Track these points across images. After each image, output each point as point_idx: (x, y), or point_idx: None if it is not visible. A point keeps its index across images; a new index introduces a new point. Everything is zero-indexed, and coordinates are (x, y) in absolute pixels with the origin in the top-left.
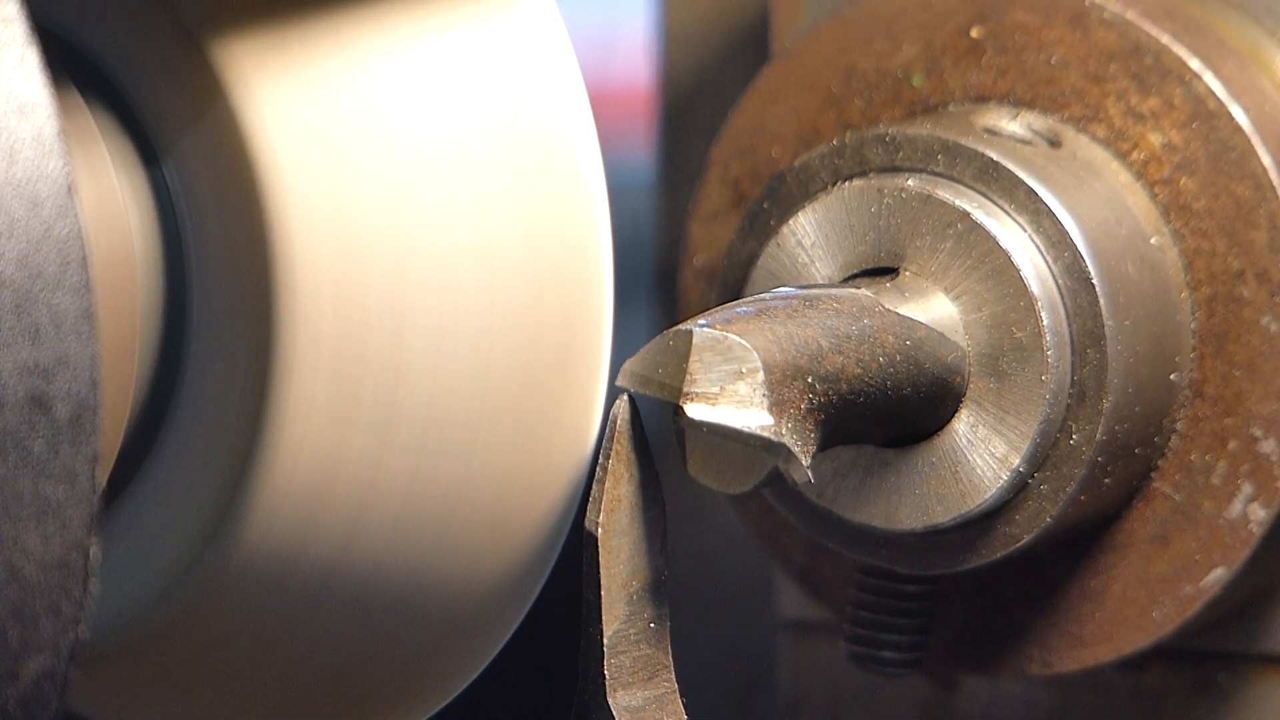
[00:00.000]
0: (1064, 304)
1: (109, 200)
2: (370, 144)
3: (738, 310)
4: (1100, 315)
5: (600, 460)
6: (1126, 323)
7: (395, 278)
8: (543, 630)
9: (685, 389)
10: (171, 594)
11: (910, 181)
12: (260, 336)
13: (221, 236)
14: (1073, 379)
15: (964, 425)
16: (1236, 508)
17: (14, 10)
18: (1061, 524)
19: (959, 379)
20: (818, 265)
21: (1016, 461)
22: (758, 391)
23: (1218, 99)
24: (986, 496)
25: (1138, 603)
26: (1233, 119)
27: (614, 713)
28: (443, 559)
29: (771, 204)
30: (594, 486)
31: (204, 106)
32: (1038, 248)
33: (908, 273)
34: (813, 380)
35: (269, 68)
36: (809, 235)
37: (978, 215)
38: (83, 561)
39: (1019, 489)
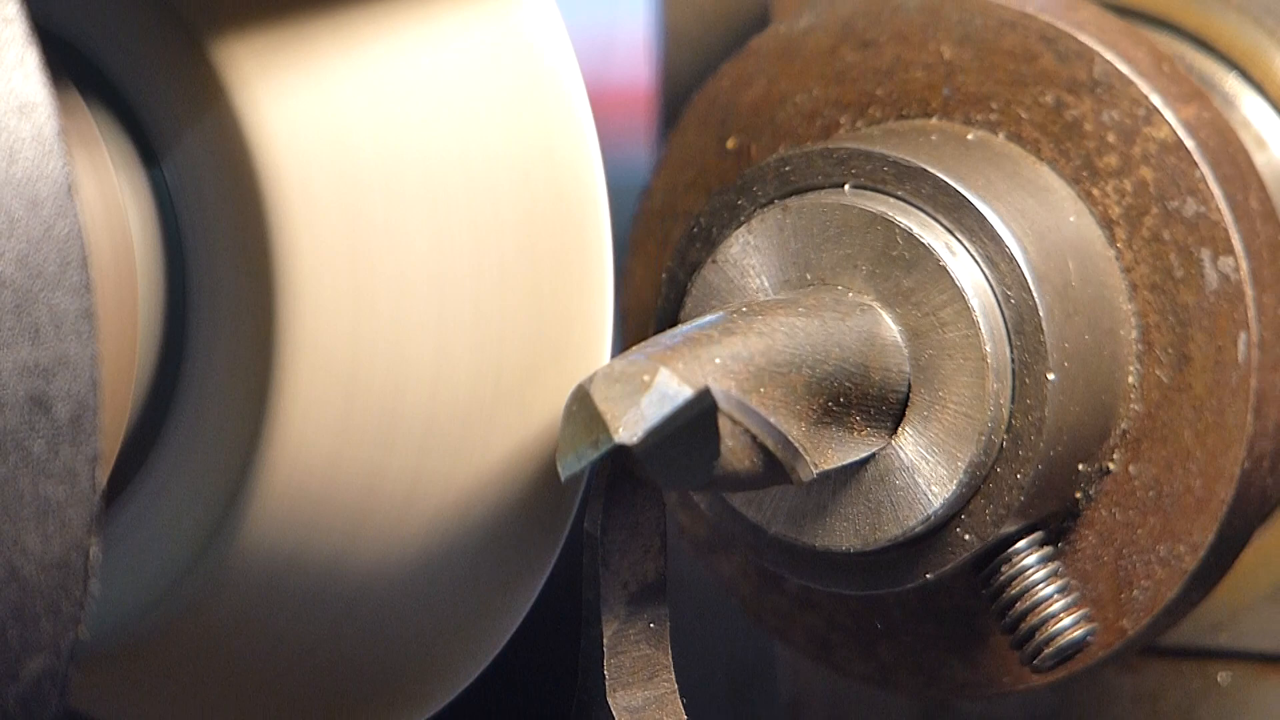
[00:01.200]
0: (993, 291)
1: (109, 200)
2: (370, 144)
3: (657, 340)
4: (1031, 297)
5: (600, 461)
6: (1060, 303)
7: (397, 278)
8: (543, 630)
9: (610, 428)
10: (171, 594)
11: (848, 197)
12: (260, 336)
13: (222, 236)
14: (1012, 364)
15: (905, 441)
16: (1202, 474)
17: (14, 10)
18: (1028, 514)
19: (900, 380)
20: (756, 284)
21: (968, 456)
22: (673, 381)
23: (1154, 109)
24: (929, 513)
25: (1121, 587)
26: (1170, 128)
27: (614, 713)
28: (442, 559)
29: (708, 225)
30: (593, 487)
31: (204, 106)
32: (977, 262)
33: (845, 288)
34: (779, 382)
35: (269, 68)
36: (746, 254)
37: (895, 217)
38: (83, 561)
39: (978, 483)
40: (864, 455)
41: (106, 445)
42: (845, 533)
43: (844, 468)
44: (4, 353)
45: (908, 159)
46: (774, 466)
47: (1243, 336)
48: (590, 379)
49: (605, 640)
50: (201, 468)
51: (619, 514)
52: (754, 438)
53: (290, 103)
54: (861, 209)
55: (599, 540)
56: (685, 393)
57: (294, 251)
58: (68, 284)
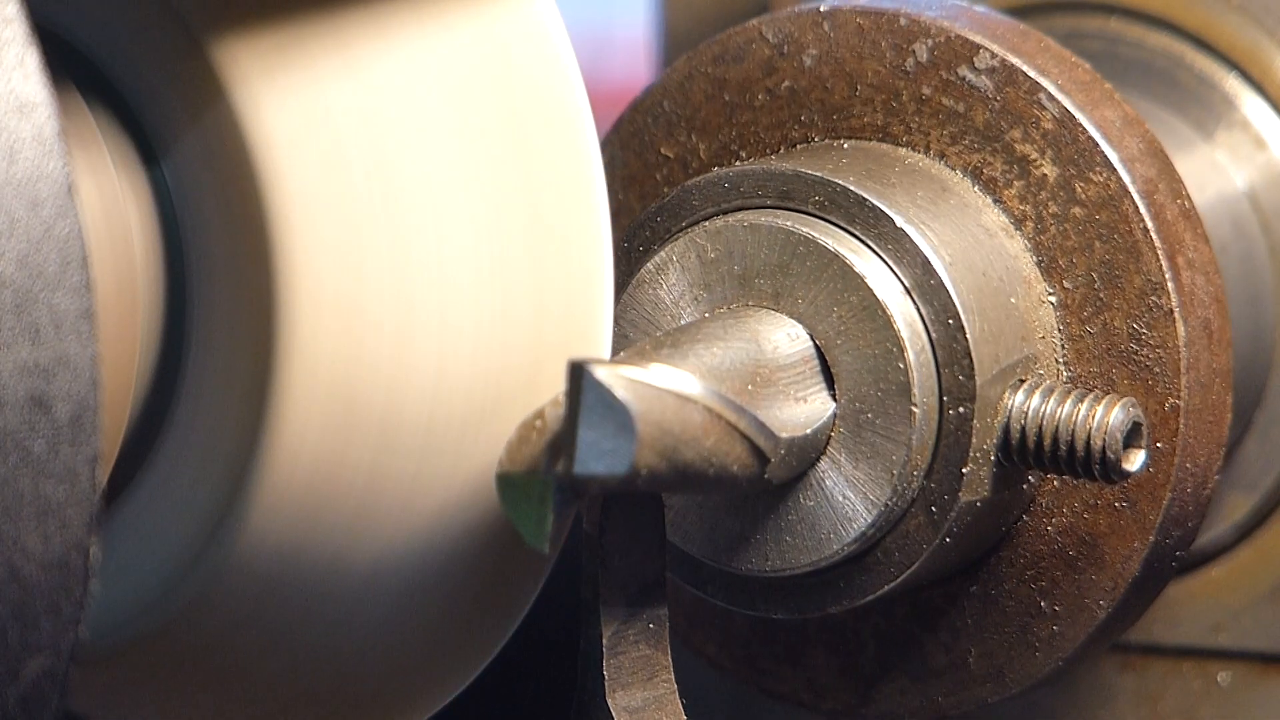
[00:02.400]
0: (928, 337)
1: (109, 200)
2: (370, 144)
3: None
4: (966, 345)
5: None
6: (994, 356)
7: (396, 277)
8: (543, 630)
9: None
10: (171, 594)
11: (769, 218)
12: (260, 336)
13: (221, 236)
14: (939, 415)
15: (831, 465)
16: (1113, 542)
17: (14, 10)
18: (932, 565)
19: (813, 360)
20: (678, 306)
21: (883, 499)
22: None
23: (1080, 125)
24: (854, 536)
25: (1011, 648)
26: (1100, 151)
27: (614, 713)
28: (442, 559)
29: (632, 246)
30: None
31: (204, 106)
32: (899, 280)
33: (768, 309)
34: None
35: (269, 68)
36: (671, 275)
37: (835, 248)
38: (83, 561)
39: (890, 528)
40: (822, 421)
41: (106, 445)
42: (761, 557)
43: (767, 496)
44: (4, 353)
45: (839, 181)
46: (757, 455)
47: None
48: (501, 474)
49: (605, 640)
50: (201, 468)
51: (618, 514)
52: (741, 434)
53: (290, 103)
54: (794, 232)
55: (599, 540)
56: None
57: (293, 251)
58: (68, 284)
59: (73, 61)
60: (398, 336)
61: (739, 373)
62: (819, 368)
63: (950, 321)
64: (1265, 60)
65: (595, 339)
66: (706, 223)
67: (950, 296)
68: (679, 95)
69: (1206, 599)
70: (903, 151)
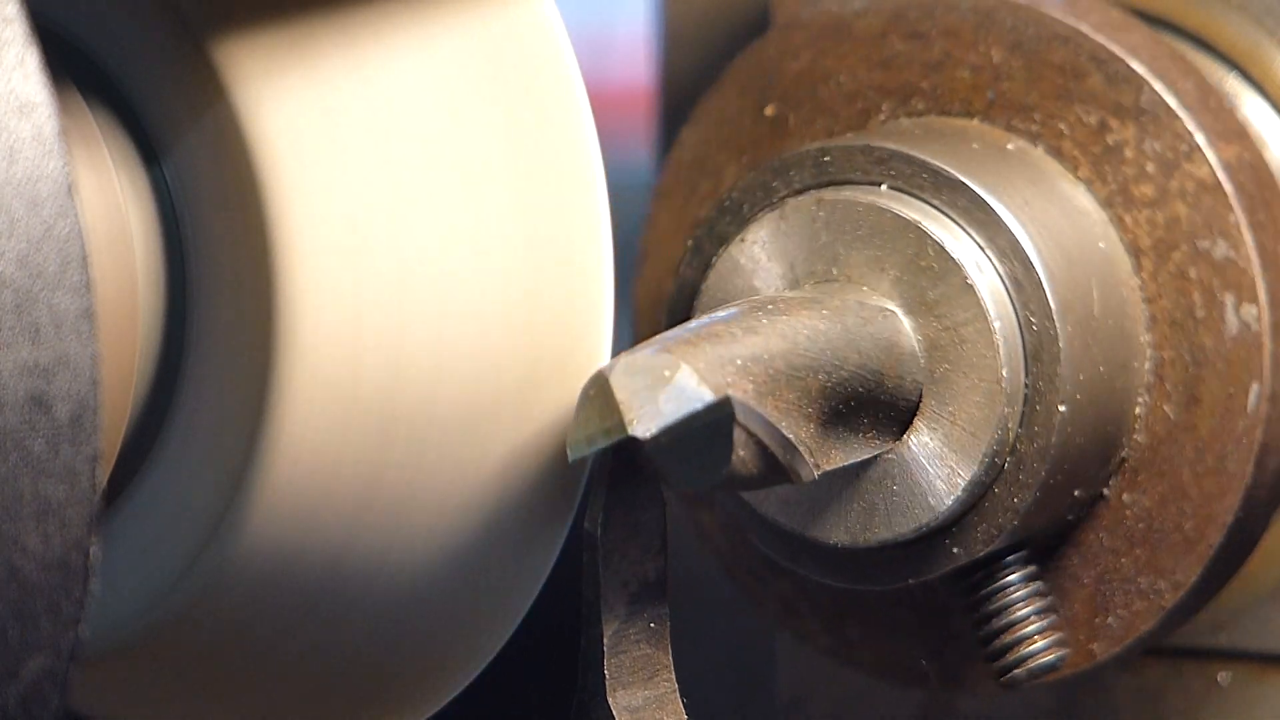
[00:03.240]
0: (1016, 314)
1: (109, 200)
2: (370, 144)
3: (681, 331)
4: (1053, 326)
5: (599, 461)
6: (1080, 332)
7: (396, 277)
8: (543, 630)
9: (625, 418)
10: (171, 594)
11: (884, 199)
12: (260, 336)
13: (222, 236)
14: (1025, 390)
15: (917, 438)
16: (1194, 515)
17: (14, 10)
18: (1018, 534)
19: (913, 389)
20: (766, 282)
21: (969, 474)
22: (693, 381)
23: (1196, 146)
24: (941, 510)
25: (1098, 611)
26: (1183, 125)
27: (614, 713)
28: (442, 559)
29: (739, 202)
30: (594, 487)
31: (205, 106)
32: (1004, 283)
33: (857, 286)
34: (789, 380)
35: (270, 68)
36: (757, 252)
37: (929, 226)
38: (83, 561)
39: (975, 500)
40: (870, 455)
41: (106, 445)
42: (836, 528)
43: (857, 466)
44: (4, 353)
45: (947, 168)
46: (776, 468)
47: (1255, 387)
48: (611, 367)
49: (605, 640)
50: (201, 467)
51: (619, 514)
52: (758, 441)
53: (290, 102)
54: (896, 213)
55: (599, 540)
56: (705, 395)
57: (293, 251)
58: (68, 284)
59: (73, 61)
60: (398, 336)
61: (797, 371)
62: (907, 343)
63: (1040, 305)
64: (1265, 60)
65: (595, 337)
66: (819, 191)
67: (1040, 278)
68: (787, 58)
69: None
70: (1001, 135)
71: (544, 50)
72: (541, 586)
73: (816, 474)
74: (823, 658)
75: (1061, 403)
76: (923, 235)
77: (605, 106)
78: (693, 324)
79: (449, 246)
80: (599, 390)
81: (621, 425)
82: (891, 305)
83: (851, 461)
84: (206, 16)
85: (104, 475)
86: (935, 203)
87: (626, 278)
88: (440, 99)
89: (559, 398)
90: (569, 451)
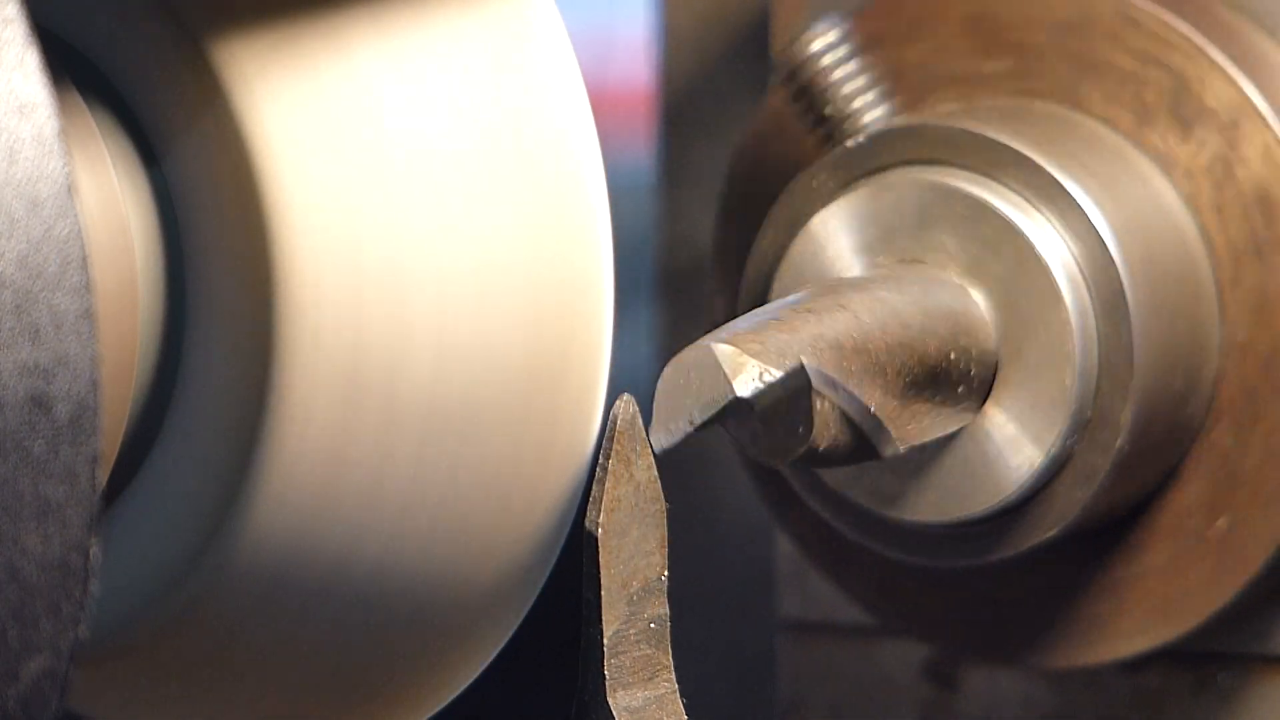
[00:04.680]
0: (1090, 294)
1: (109, 200)
2: (371, 144)
3: (747, 320)
4: (1126, 307)
5: (600, 460)
6: (1153, 313)
7: (396, 277)
8: (543, 630)
9: (729, 382)
10: (171, 594)
11: (934, 174)
12: (260, 336)
13: (221, 236)
14: (1099, 350)
15: (993, 416)
16: (1270, 497)
17: (14, 10)
18: (1092, 513)
19: (989, 366)
20: (842, 261)
21: (1045, 452)
22: (761, 364)
23: (1253, 106)
24: (1016, 487)
25: (1168, 595)
26: (1261, 117)
27: (614, 713)
28: (443, 559)
29: (778, 227)
30: (594, 486)
31: (204, 107)
32: (1063, 239)
33: (932, 265)
34: (865, 359)
35: (269, 68)
36: (833, 231)
37: (1002, 207)
38: (83, 561)
39: (1049, 479)
40: (949, 431)
41: (106, 445)
42: (914, 505)
43: (928, 443)
44: (4, 353)
45: (1022, 149)
46: (862, 442)
47: None
48: (691, 352)
49: (605, 640)
50: (201, 467)
51: (620, 513)
52: (843, 414)
53: (291, 104)
54: (970, 194)
55: (599, 540)
56: (777, 374)
57: (293, 251)
58: (68, 284)
59: (73, 61)
60: (398, 336)
61: (880, 350)
62: (982, 320)
63: (1113, 284)
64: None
65: (595, 337)
66: (867, 178)
67: (1113, 257)
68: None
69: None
70: (1045, 105)
71: (544, 51)
72: (543, 585)
73: (901, 448)
74: (930, 644)
75: (1137, 353)
76: (997, 215)
77: (605, 107)
78: (760, 310)
79: (449, 247)
80: (695, 363)
81: (729, 390)
82: (956, 277)
83: (931, 438)
84: (205, 17)
85: (104, 475)
86: (1010, 183)
87: (627, 278)
88: (440, 98)
89: (559, 397)
90: (658, 440)
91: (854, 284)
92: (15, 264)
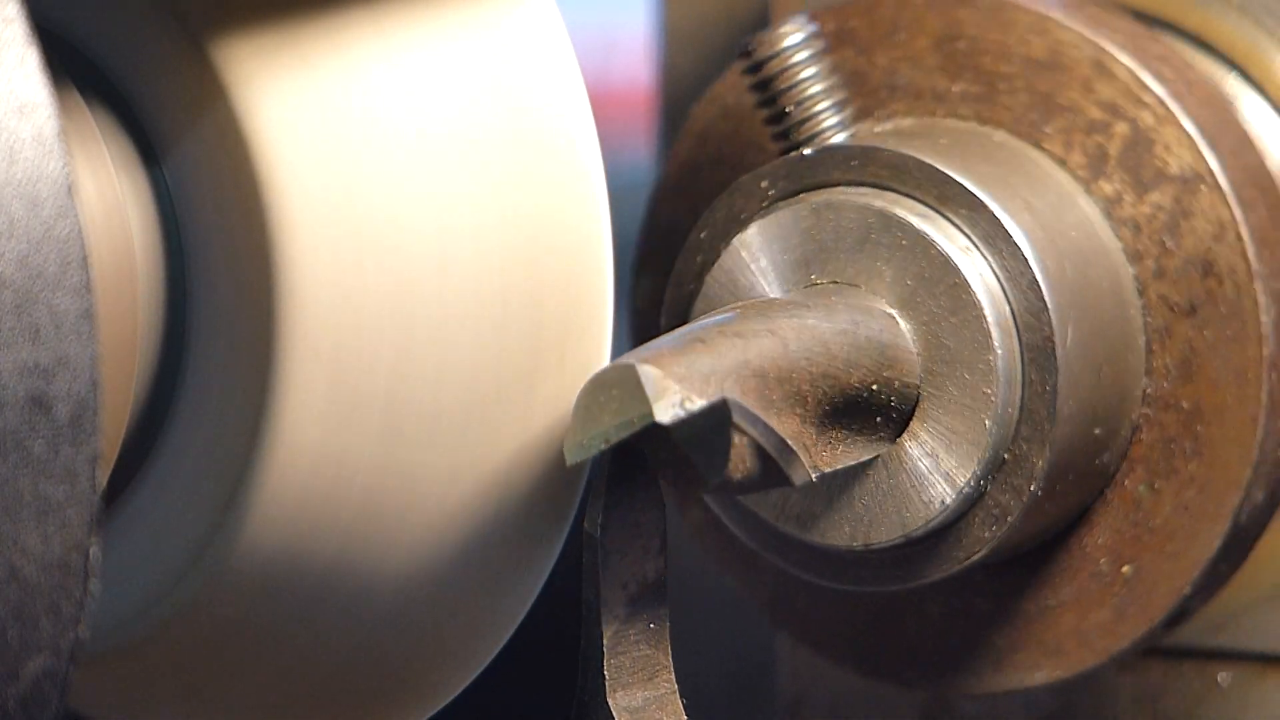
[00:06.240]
0: (1019, 341)
1: (109, 200)
2: (371, 144)
3: (675, 338)
4: (1055, 359)
5: (599, 462)
6: (1081, 363)
7: (396, 276)
8: (543, 630)
9: (647, 408)
10: (171, 594)
11: (850, 195)
12: (261, 336)
13: (222, 236)
14: (1022, 395)
15: (909, 448)
16: (1191, 524)
17: (14, 10)
18: (1000, 549)
19: (910, 391)
20: (764, 283)
21: (965, 479)
22: (686, 388)
23: (1167, 111)
24: (924, 522)
25: (1066, 635)
26: (1188, 136)
27: (614, 713)
28: (442, 559)
29: (716, 222)
30: (594, 487)
31: (204, 106)
32: (1001, 283)
33: (866, 291)
34: (788, 388)
35: (270, 68)
36: (754, 253)
37: (942, 243)
38: (83, 561)
39: (958, 516)
40: (863, 460)
41: (106, 445)
42: (835, 531)
43: (844, 470)
44: (4, 353)
45: (942, 168)
46: (773, 471)
47: (1255, 377)
48: (614, 370)
49: (605, 640)
50: (201, 467)
51: (619, 514)
52: (755, 444)
53: (291, 103)
54: (889, 214)
55: (599, 540)
56: (701, 401)
57: (294, 251)
58: (68, 284)
59: (73, 61)
60: (398, 335)
61: (805, 369)
62: (904, 344)
63: (1044, 333)
64: (1265, 61)
65: (596, 336)
66: (790, 200)
67: (1036, 277)
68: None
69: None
70: (1003, 136)
71: (545, 51)
72: (541, 587)
73: (814, 476)
74: (820, 657)
75: (1060, 401)
76: (917, 236)
77: (605, 106)
78: (687, 329)
79: (449, 246)
80: (618, 381)
81: (649, 413)
82: (887, 306)
83: (849, 464)
84: (206, 16)
85: (104, 475)
86: (930, 203)
87: (626, 276)
88: (440, 98)
89: (560, 397)
90: (571, 453)
91: (784, 308)
92: (15, 264)
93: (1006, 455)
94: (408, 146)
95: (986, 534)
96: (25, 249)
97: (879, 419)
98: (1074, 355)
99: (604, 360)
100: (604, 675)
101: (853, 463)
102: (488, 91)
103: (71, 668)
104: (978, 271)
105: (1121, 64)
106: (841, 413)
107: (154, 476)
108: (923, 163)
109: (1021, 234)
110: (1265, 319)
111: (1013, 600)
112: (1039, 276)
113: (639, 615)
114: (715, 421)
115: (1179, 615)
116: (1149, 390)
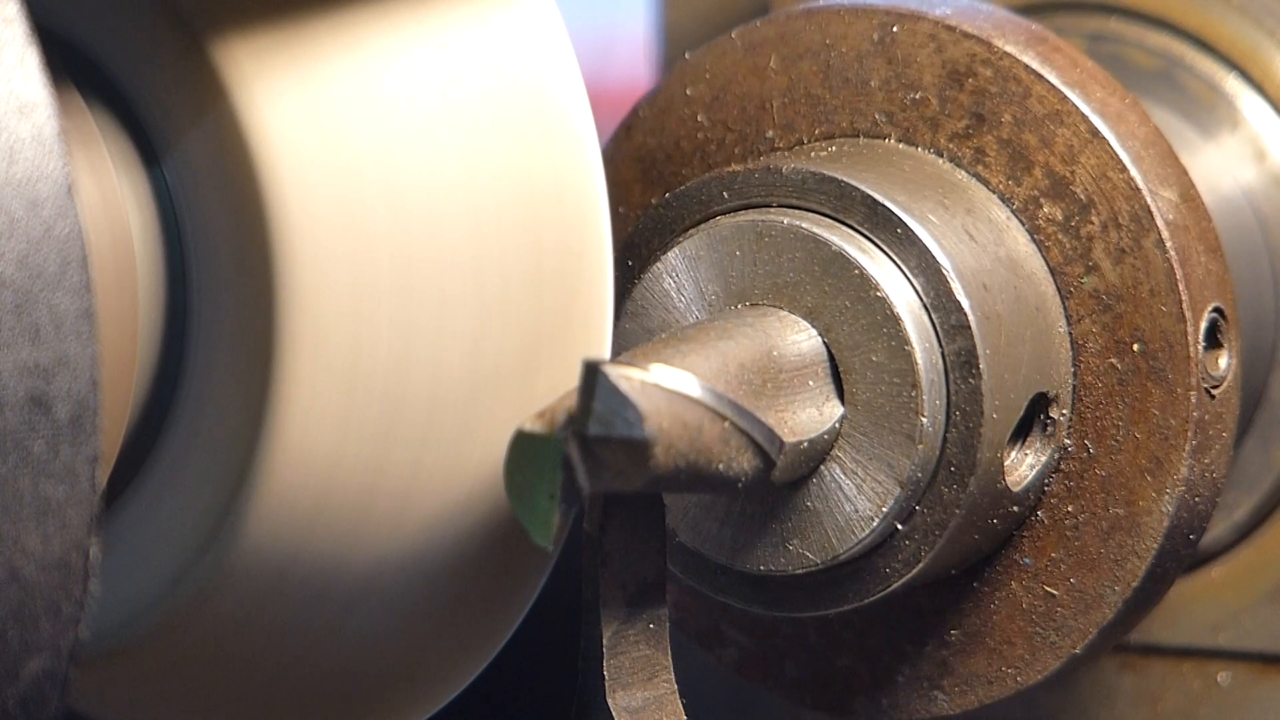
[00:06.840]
0: (935, 331)
1: (109, 200)
2: (372, 144)
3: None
4: (973, 341)
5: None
6: (1001, 347)
7: (397, 275)
8: (543, 630)
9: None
10: (171, 594)
11: (773, 216)
12: (261, 336)
13: (222, 236)
14: (948, 407)
15: (836, 467)
16: (1117, 543)
17: (14, 10)
18: (937, 564)
19: (824, 364)
20: (686, 305)
21: (894, 495)
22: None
23: (1083, 119)
24: (857, 540)
25: (990, 661)
26: (1115, 154)
27: (614, 713)
28: (442, 559)
29: (642, 241)
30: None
31: (205, 106)
32: (906, 275)
33: (775, 308)
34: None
35: (270, 67)
36: (678, 272)
37: (842, 246)
38: (83, 561)
39: (901, 521)
40: (829, 425)
41: (106, 445)
42: (761, 556)
43: (775, 494)
44: (4, 353)
45: (861, 187)
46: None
47: (1179, 395)
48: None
49: (605, 640)
50: (202, 467)
51: (618, 514)
52: (741, 431)
53: (290, 103)
54: (810, 235)
55: (598, 540)
56: (630, 415)
57: (294, 250)
58: (68, 284)
59: (73, 61)
60: (398, 335)
61: (747, 373)
62: (829, 369)
63: (961, 331)
64: (1265, 61)
65: (596, 335)
66: (720, 220)
67: (963, 307)
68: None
69: (1206, 599)
70: (925, 155)
71: (545, 50)
72: (542, 586)
73: (787, 445)
74: (764, 689)
75: (985, 417)
76: (836, 255)
77: (605, 106)
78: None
79: (450, 245)
80: (517, 481)
81: (550, 486)
82: (809, 327)
83: (817, 432)
84: (206, 16)
85: (104, 475)
86: (849, 222)
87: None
88: (441, 98)
89: (560, 392)
90: (544, 540)
91: (698, 331)
92: (15, 264)
93: (936, 468)
94: (408, 146)
95: (922, 549)
96: (25, 249)
97: (811, 393)
98: (997, 362)
99: (604, 352)
100: (604, 675)
101: (816, 433)
102: (487, 91)
103: (71, 668)
104: (893, 284)
105: (1017, 61)
106: (770, 396)
107: (154, 476)
108: (829, 177)
109: (934, 242)
110: (1190, 328)
111: (940, 624)
112: (956, 287)
113: (639, 615)
114: (634, 439)
115: (1113, 633)
116: (1073, 390)
